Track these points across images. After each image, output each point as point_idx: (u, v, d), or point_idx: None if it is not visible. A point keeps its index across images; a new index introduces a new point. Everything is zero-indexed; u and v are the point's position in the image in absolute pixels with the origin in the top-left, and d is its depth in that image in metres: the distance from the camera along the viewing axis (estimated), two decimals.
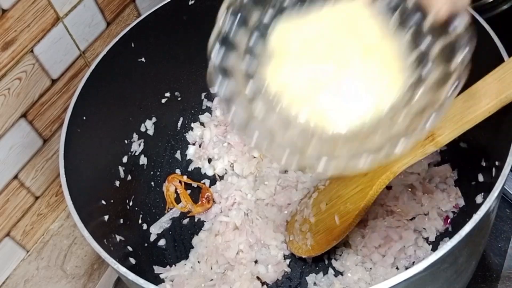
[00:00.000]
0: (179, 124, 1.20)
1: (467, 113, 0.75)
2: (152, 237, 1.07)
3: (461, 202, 0.96)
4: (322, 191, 0.98)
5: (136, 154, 1.10)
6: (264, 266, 0.99)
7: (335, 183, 0.95)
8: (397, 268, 0.93)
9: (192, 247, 1.06)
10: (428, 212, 0.96)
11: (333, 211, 0.92)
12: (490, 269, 0.95)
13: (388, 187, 0.99)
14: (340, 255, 0.97)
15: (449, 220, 0.96)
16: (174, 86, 1.15)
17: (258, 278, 0.98)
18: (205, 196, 1.09)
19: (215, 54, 0.64)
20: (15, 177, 1.04)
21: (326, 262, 0.98)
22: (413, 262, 0.94)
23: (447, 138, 0.77)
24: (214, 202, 1.10)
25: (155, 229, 1.09)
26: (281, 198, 1.06)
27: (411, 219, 0.97)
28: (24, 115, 1.02)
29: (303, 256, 0.98)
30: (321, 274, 0.97)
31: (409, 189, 1.00)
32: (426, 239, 0.95)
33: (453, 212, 0.97)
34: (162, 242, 1.08)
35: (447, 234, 0.95)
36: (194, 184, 1.14)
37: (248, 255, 1.00)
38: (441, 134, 0.77)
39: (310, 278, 0.97)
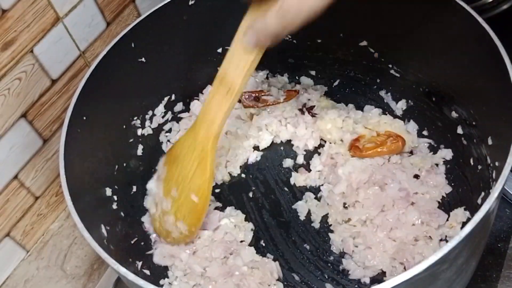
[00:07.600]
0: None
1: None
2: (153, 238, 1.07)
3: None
4: (165, 179, 1.00)
5: (136, 154, 1.10)
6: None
7: (173, 169, 0.98)
8: None
9: None
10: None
11: (186, 192, 0.95)
12: (490, 269, 0.95)
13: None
14: (344, 264, 0.96)
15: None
16: (174, 86, 1.15)
17: None
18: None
19: None
20: (15, 177, 1.04)
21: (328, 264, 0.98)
22: None
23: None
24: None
25: None
26: None
27: (424, 225, 0.95)
28: (24, 115, 1.02)
29: (187, 241, 0.99)
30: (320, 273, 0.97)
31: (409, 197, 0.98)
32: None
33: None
34: None
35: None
36: None
37: None
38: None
39: None
